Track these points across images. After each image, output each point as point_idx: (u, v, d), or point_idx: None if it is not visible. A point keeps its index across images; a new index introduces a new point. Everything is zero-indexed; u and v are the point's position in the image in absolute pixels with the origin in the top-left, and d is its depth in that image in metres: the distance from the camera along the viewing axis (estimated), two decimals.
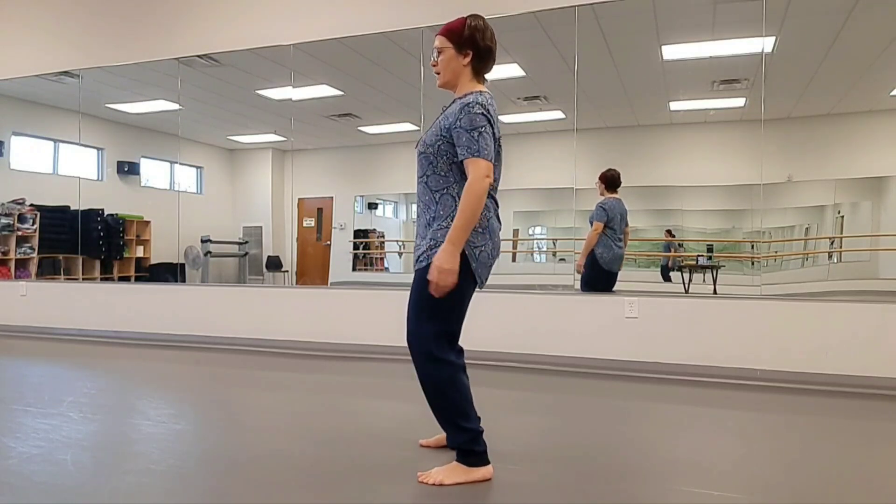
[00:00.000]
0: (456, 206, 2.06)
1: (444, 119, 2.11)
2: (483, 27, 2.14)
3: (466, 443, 2.08)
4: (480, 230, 2.07)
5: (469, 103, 2.03)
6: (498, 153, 2.12)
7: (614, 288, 4.50)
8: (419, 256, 2.13)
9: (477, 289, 2.14)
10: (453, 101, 2.15)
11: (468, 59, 2.13)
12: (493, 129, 2.06)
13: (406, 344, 2.14)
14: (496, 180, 2.14)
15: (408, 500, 1.97)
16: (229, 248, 8.15)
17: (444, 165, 2.09)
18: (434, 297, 2.02)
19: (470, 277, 2.07)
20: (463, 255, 2.03)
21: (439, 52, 2.14)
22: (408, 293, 2.14)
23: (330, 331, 4.88)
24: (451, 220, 2.04)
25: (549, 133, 6.12)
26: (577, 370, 4.12)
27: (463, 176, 2.06)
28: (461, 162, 2.04)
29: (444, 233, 2.04)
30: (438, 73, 2.17)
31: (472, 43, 2.12)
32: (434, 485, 2.04)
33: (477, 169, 1.99)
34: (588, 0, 4.27)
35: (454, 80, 2.15)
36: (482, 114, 2.02)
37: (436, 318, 2.07)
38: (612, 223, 4.46)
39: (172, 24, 5.53)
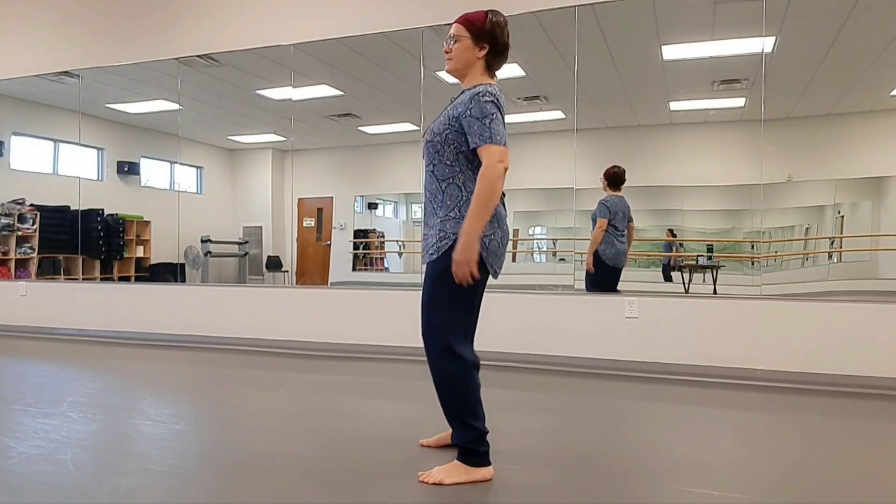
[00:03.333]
0: (462, 195, 2.08)
1: (452, 108, 2.12)
2: (504, 24, 2.17)
3: (471, 442, 2.08)
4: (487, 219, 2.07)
5: (479, 92, 2.05)
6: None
7: (618, 285, 4.52)
8: (429, 249, 2.12)
9: (491, 278, 2.14)
10: (462, 92, 2.16)
11: (483, 53, 2.14)
12: (503, 117, 2.07)
13: (421, 340, 2.13)
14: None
15: (408, 499, 1.97)
16: (229, 248, 8.15)
17: (450, 154, 2.10)
18: (447, 289, 2.03)
19: (482, 267, 2.07)
20: None
21: (455, 40, 2.15)
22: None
23: (330, 331, 4.88)
24: (458, 210, 2.06)
25: (549, 133, 6.11)
26: (577, 370, 4.12)
27: (469, 165, 2.09)
28: (471, 151, 2.06)
29: (452, 223, 2.06)
30: (448, 59, 2.18)
31: (492, 37, 2.14)
32: (434, 484, 2.04)
33: (490, 155, 1.99)
34: (588, 0, 4.27)
35: (465, 69, 2.16)
36: (492, 102, 2.04)
37: (451, 310, 2.07)
38: (613, 220, 4.49)
39: (172, 24, 5.53)
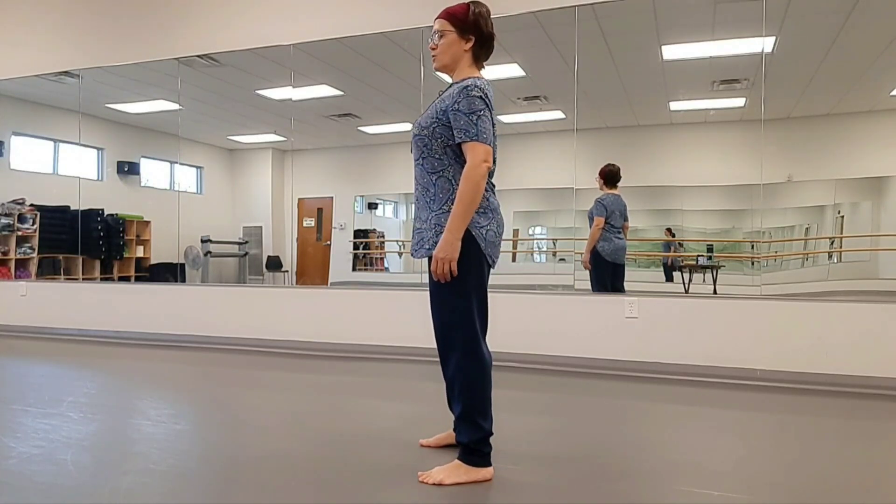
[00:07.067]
0: (452, 188, 2.07)
1: (440, 102, 2.11)
2: (487, 14, 2.16)
3: (476, 441, 2.08)
4: (482, 210, 2.07)
5: (468, 86, 2.03)
6: (494, 136, 2.12)
7: (624, 281, 4.57)
8: (425, 244, 2.12)
9: (492, 269, 2.15)
10: (450, 86, 2.16)
11: (470, 45, 2.14)
12: (490, 113, 2.06)
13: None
14: (493, 163, 2.14)
15: (408, 500, 1.97)
16: (229, 248, 8.14)
17: (438, 148, 2.09)
18: (454, 283, 2.02)
19: (484, 259, 2.08)
20: (472, 238, 2.03)
21: (440, 35, 2.14)
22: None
23: (330, 331, 4.87)
24: (450, 204, 2.05)
25: (549, 133, 6.11)
26: (577, 370, 4.12)
27: (458, 159, 2.08)
28: (458, 145, 2.05)
29: (446, 217, 2.05)
30: (435, 56, 2.16)
31: (476, 29, 2.13)
32: (434, 484, 2.04)
33: (475, 154, 1.99)
34: (588, 0, 4.27)
35: (453, 64, 2.16)
36: (480, 97, 2.02)
37: (461, 304, 2.06)
38: (610, 218, 4.53)
39: (172, 24, 5.53)
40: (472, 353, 2.07)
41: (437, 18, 2.16)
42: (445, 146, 2.08)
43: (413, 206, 2.21)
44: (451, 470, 2.08)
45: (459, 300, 2.06)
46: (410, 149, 2.22)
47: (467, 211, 1.98)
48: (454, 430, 2.23)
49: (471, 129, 2.00)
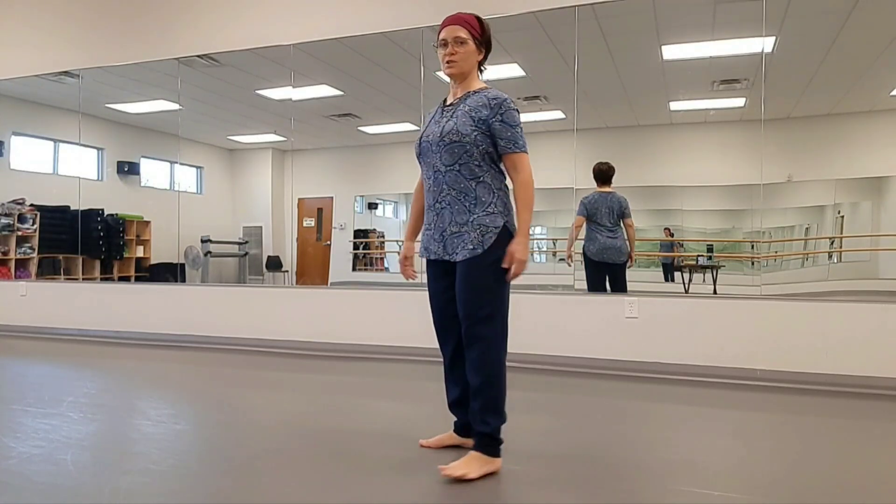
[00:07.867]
0: (492, 192, 2.19)
1: (474, 111, 2.16)
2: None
3: (498, 430, 2.17)
4: None
5: (505, 99, 2.16)
6: None
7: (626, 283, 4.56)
8: (467, 244, 2.16)
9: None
10: (467, 94, 2.21)
11: (481, 57, 2.26)
12: None
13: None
14: None
15: (408, 499, 1.97)
16: (229, 248, 8.14)
17: (478, 155, 2.17)
18: (499, 279, 2.16)
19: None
20: (511, 237, 2.17)
21: (461, 42, 2.18)
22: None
23: (330, 331, 4.88)
24: (494, 206, 2.17)
25: (549, 133, 6.10)
26: (577, 370, 4.12)
27: (493, 165, 2.20)
28: (500, 154, 2.18)
29: (492, 218, 2.16)
30: (455, 62, 2.19)
31: (489, 43, 2.26)
32: (458, 477, 2.06)
33: (525, 164, 2.16)
34: (588, 0, 4.27)
35: (469, 72, 2.24)
36: (518, 111, 2.17)
37: (502, 300, 2.22)
38: (594, 217, 4.56)
39: (172, 24, 5.53)
40: (500, 345, 2.19)
41: (453, 25, 2.19)
42: (485, 153, 2.17)
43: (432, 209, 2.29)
44: (471, 463, 2.11)
45: (501, 292, 2.20)
46: (417, 153, 2.28)
47: (531, 216, 2.15)
48: (455, 429, 2.32)
49: (519, 140, 2.15)
